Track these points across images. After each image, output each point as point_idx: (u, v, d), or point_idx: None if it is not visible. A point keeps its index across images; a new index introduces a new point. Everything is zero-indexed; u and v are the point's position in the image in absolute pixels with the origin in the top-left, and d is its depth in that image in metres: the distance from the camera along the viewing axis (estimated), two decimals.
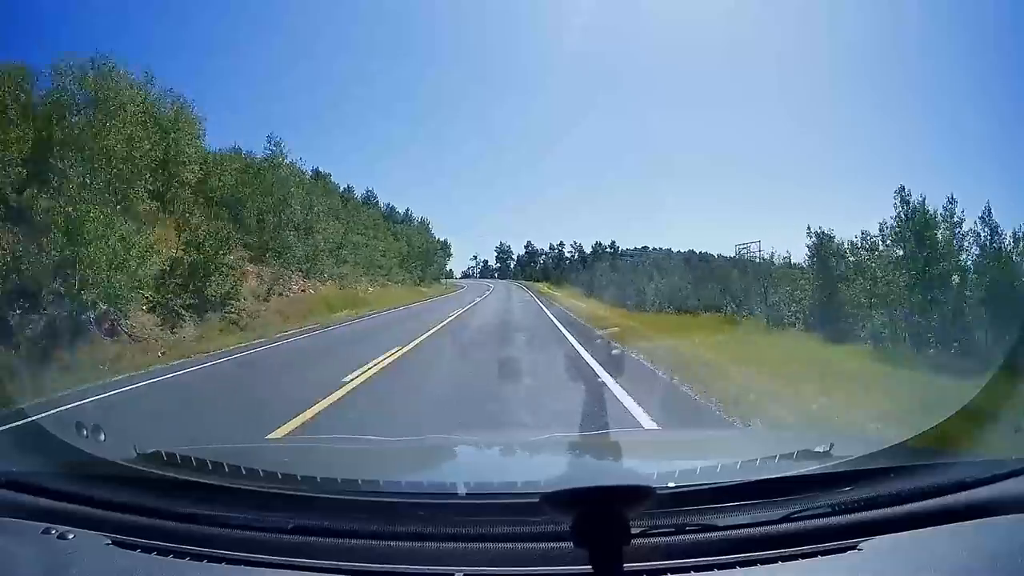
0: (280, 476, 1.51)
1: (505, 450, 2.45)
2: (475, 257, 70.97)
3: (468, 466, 2.19)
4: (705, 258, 43.82)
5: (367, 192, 41.66)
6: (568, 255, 60.88)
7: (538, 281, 53.41)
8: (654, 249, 51.17)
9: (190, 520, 1.38)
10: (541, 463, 2.19)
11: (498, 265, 67.95)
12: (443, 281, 50.65)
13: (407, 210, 47.83)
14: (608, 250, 54.33)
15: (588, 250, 59.51)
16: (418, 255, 43.19)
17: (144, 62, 30.43)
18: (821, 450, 1.64)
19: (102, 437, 1.77)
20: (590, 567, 1.16)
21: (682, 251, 47.96)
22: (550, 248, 64.22)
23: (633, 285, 30.79)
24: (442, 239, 50.24)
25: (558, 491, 1.18)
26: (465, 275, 65.23)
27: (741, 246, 28.69)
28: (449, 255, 51.65)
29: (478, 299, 31.41)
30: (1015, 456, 1.53)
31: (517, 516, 1.31)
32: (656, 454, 2.36)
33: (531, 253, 64.90)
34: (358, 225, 33.93)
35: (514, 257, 66.54)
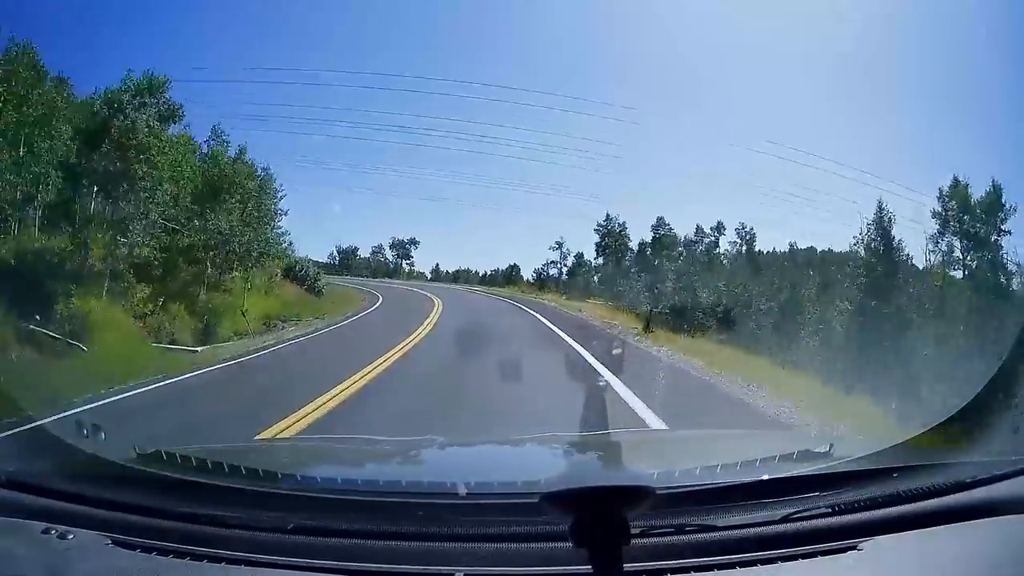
0: (280, 476, 1.51)
1: (505, 450, 2.45)
2: (559, 245, 30.64)
3: (468, 466, 2.19)
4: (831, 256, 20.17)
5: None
6: (726, 248, 25.99)
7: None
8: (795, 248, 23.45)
9: (190, 520, 1.38)
10: (541, 463, 2.19)
11: (598, 261, 28.48)
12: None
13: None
14: None
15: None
16: None
17: None
18: (821, 450, 1.64)
19: (102, 437, 1.77)
20: (590, 567, 1.16)
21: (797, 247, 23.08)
22: (697, 233, 25.89)
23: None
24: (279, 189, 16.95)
25: (558, 491, 1.18)
26: (539, 276, 29.82)
27: None
28: (275, 235, 16.82)
29: None
30: (1015, 456, 1.53)
31: (517, 516, 1.31)
32: (656, 454, 2.36)
33: (659, 239, 25.71)
34: None
35: (632, 245, 27.39)
